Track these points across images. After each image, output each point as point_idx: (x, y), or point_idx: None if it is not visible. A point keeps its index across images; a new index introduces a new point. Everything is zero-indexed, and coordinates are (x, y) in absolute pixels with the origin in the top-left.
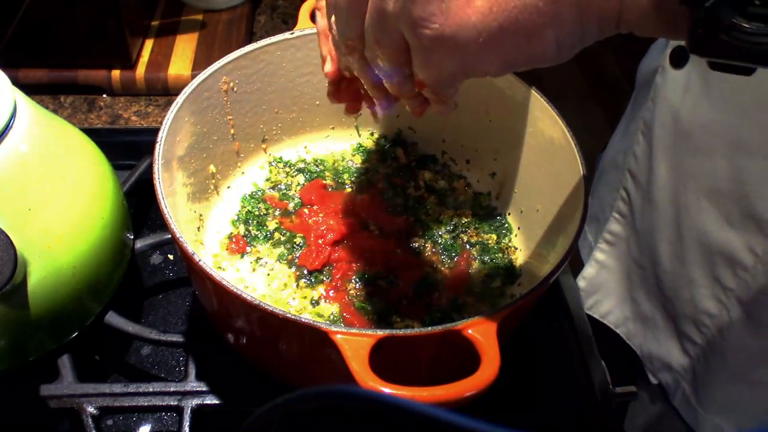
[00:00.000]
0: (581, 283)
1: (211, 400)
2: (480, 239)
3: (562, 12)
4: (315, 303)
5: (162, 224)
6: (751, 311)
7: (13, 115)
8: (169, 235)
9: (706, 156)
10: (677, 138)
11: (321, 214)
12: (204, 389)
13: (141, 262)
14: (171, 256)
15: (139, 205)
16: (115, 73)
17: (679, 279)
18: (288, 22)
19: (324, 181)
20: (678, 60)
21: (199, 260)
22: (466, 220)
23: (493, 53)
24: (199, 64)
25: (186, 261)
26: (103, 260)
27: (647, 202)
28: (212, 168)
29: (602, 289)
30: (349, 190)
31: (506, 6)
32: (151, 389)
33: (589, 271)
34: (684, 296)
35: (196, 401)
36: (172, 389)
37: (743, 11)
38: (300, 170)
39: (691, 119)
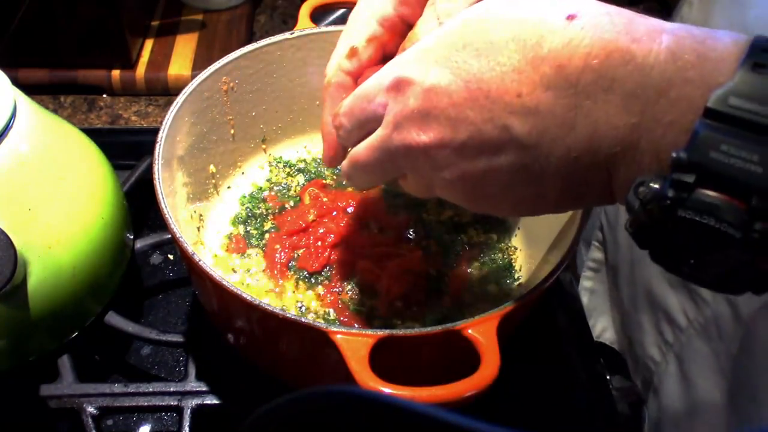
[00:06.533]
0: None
1: (211, 400)
2: (480, 239)
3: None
4: (314, 304)
5: (162, 224)
6: (684, 371)
7: (13, 115)
8: (169, 235)
9: None
10: None
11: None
12: (204, 389)
13: (141, 262)
14: (171, 256)
15: (139, 205)
16: (115, 73)
17: (632, 320)
18: (288, 22)
19: (324, 181)
20: None
21: (199, 260)
22: (466, 220)
23: (484, 207)
24: (199, 64)
25: (186, 261)
26: (103, 260)
27: (614, 241)
28: (212, 168)
29: (594, 312)
30: (349, 190)
31: (514, 196)
32: (151, 389)
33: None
34: (636, 337)
35: (196, 401)
36: (172, 389)
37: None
38: (300, 170)
39: None
